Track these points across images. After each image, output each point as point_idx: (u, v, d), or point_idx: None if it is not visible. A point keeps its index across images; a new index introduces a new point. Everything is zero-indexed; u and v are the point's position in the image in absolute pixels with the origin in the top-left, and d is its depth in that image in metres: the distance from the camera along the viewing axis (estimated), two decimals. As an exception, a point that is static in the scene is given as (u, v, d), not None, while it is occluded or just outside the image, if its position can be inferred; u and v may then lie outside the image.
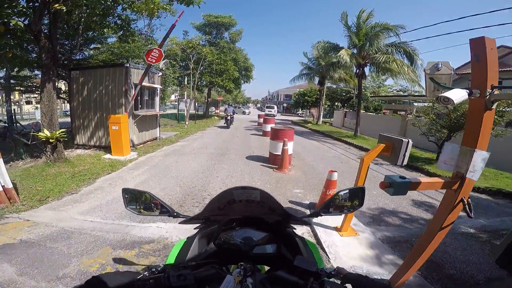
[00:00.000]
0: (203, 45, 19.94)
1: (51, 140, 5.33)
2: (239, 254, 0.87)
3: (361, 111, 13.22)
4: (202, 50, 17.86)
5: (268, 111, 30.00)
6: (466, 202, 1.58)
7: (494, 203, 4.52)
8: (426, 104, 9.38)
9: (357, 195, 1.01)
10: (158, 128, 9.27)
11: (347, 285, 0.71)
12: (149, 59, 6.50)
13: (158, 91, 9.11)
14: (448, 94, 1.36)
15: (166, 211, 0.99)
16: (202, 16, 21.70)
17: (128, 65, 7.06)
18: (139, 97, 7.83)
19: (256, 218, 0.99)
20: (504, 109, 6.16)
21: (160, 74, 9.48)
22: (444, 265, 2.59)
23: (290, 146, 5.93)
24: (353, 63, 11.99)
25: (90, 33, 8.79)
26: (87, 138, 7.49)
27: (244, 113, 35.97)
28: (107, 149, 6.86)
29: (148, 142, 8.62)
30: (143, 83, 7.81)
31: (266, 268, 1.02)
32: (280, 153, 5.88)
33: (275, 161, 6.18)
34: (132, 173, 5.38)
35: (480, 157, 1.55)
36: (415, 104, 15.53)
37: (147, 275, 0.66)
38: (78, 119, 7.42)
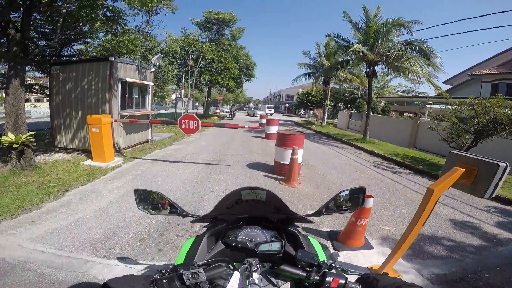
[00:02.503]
0: (203, 42, 19.02)
1: (14, 146, 4.46)
2: (245, 253, 0.86)
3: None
4: (201, 47, 16.94)
5: (269, 110, 32.90)
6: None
7: None
8: (445, 106, 8.56)
9: (357, 195, 1.03)
10: (150, 129, 8.37)
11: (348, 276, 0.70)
12: (182, 126, 5.85)
13: (150, 89, 8.21)
14: None
15: (175, 211, 1.03)
16: (202, 14, 20.91)
17: (113, 59, 6.18)
18: (127, 95, 6.96)
19: (261, 217, 1.01)
20: None
21: (153, 70, 8.58)
22: None
23: (300, 154, 5.06)
24: (362, 61, 11.18)
25: (81, 27, 8.09)
26: (69, 140, 6.62)
27: (254, 115, 28.36)
28: (89, 153, 5.98)
29: (138, 145, 7.73)
30: (133, 80, 6.96)
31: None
32: (287, 163, 5.00)
33: (281, 171, 5.29)
34: (110, 184, 4.49)
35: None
36: (428, 106, 14.50)
37: (158, 277, 0.64)
38: (59, 118, 6.55)
